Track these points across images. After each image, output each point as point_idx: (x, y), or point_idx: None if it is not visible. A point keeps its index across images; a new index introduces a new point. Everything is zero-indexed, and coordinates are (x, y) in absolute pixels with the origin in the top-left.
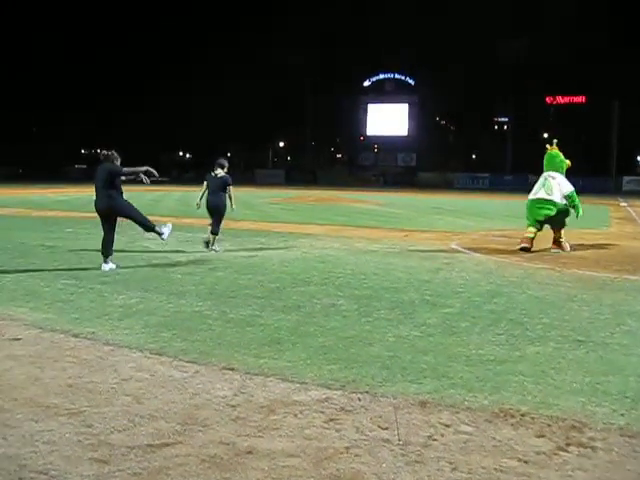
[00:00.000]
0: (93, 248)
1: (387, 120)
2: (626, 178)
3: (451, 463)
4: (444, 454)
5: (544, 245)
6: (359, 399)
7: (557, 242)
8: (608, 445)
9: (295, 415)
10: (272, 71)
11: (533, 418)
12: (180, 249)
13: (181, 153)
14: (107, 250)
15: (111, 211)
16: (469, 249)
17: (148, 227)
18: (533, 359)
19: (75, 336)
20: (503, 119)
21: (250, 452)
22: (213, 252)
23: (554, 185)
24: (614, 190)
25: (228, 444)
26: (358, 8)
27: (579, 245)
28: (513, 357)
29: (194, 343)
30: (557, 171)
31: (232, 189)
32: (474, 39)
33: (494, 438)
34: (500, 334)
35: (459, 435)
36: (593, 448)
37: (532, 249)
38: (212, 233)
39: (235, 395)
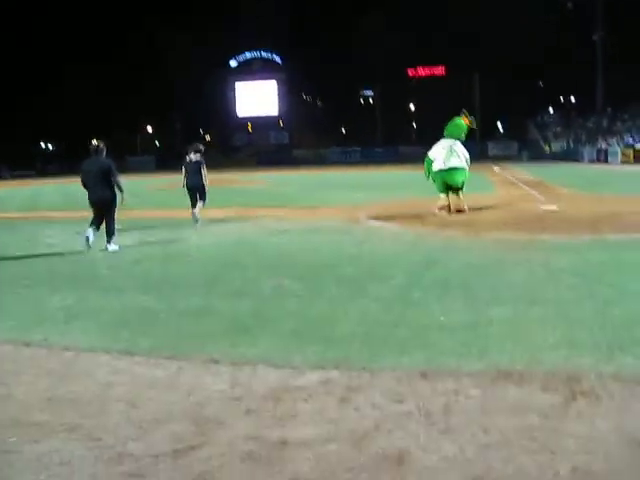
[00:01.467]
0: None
1: (257, 99)
2: (490, 144)
3: (480, 427)
4: (469, 419)
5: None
6: (359, 377)
7: (457, 205)
8: (609, 392)
9: (305, 400)
10: (138, 53)
11: (531, 375)
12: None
13: (44, 145)
14: (111, 231)
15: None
16: (380, 220)
17: (108, 231)
18: (501, 321)
19: (27, 345)
20: (368, 93)
21: (284, 443)
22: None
23: (460, 152)
24: (479, 155)
25: (256, 438)
26: None
27: (478, 209)
28: (482, 321)
29: (160, 339)
30: (458, 139)
31: (205, 171)
32: (335, 15)
33: (505, 399)
34: (455, 300)
35: (472, 399)
36: (597, 396)
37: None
38: (195, 206)
39: (232, 388)
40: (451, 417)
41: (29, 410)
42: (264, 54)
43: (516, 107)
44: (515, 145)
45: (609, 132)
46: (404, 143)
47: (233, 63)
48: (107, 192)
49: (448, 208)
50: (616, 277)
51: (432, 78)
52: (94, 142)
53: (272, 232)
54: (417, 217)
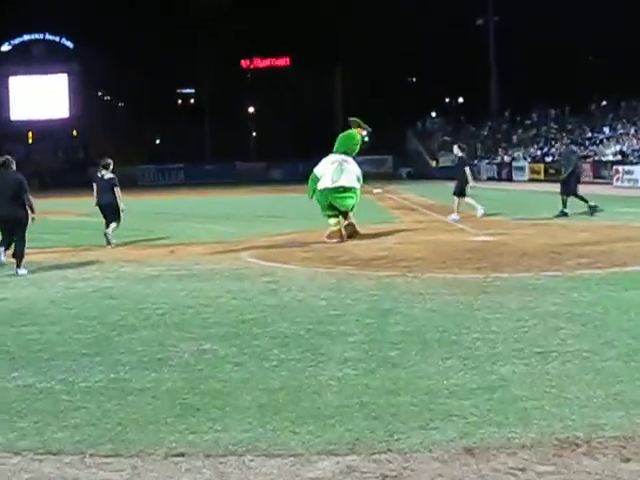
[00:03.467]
0: None
1: (41, 98)
2: (358, 158)
3: None
4: None
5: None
6: (389, 460)
7: (349, 226)
8: None
9: None
10: None
11: (600, 442)
12: None
13: None
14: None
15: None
16: (276, 262)
17: (17, 254)
18: (520, 380)
19: None
20: (189, 91)
21: None
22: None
23: (350, 170)
24: None
25: None
26: None
27: (398, 243)
28: (496, 382)
29: (82, 430)
30: (350, 153)
31: (118, 190)
32: None
33: (587, 472)
34: (447, 358)
35: (548, 477)
36: None
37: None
38: (109, 225)
39: None
40: None
41: None
42: (50, 37)
43: (390, 110)
44: (389, 160)
45: (509, 142)
46: (241, 157)
47: (5, 47)
48: (18, 210)
49: (340, 235)
50: (621, 320)
51: (274, 71)
52: (4, 156)
53: (138, 279)
54: (316, 252)
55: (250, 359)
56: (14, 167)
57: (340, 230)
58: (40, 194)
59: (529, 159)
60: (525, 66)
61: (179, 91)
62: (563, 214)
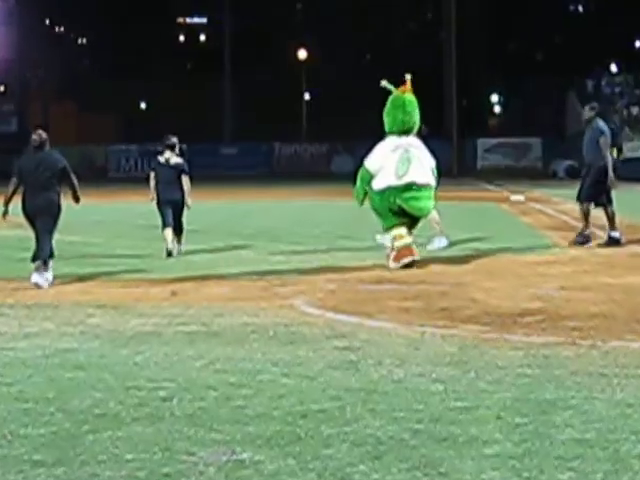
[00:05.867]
0: None
1: None
2: (483, 142)
3: None
4: None
5: None
6: None
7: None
8: None
9: None
10: None
11: None
12: None
13: None
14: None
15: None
16: (354, 314)
17: (43, 253)
18: None
19: None
20: (198, 20)
21: None
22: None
23: (422, 159)
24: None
25: None
26: None
27: (558, 287)
28: None
29: None
30: (410, 130)
31: (189, 180)
32: None
33: None
34: None
35: None
36: None
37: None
38: (175, 232)
39: None
40: None
41: None
42: None
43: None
44: (536, 146)
45: None
46: (284, 136)
47: None
48: (53, 198)
49: (412, 251)
50: None
51: None
52: (38, 132)
53: (120, 338)
54: (421, 300)
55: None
56: (48, 145)
57: (411, 245)
58: None
59: None
60: None
61: (182, 21)
62: None
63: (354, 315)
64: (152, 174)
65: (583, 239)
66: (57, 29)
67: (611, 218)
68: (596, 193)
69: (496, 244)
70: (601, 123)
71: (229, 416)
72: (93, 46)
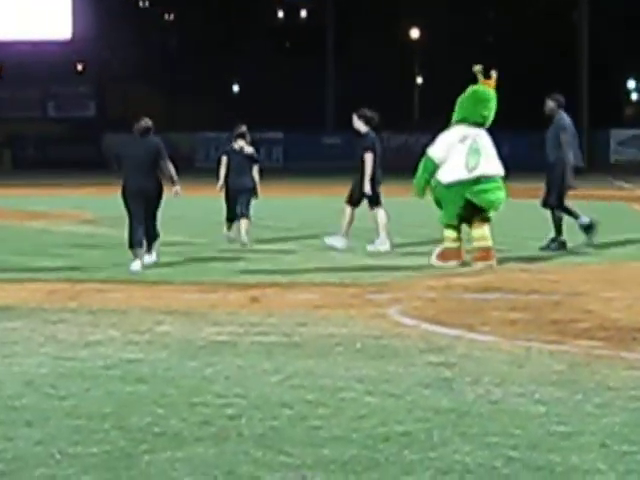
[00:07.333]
0: None
1: (16, 4)
2: (617, 133)
3: None
4: None
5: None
6: None
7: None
8: None
9: None
10: None
11: None
12: None
13: None
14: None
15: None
16: (453, 326)
17: (149, 237)
18: None
19: None
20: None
21: None
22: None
23: (490, 148)
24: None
25: None
26: None
27: None
28: None
29: None
30: (483, 122)
31: (258, 170)
32: None
33: None
34: None
35: None
36: None
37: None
38: (242, 217)
39: None
40: None
41: None
42: None
43: None
44: None
45: None
46: (400, 126)
47: None
48: (155, 182)
49: (460, 256)
50: None
51: None
52: (145, 119)
53: (190, 349)
54: (530, 310)
55: None
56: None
57: (460, 248)
58: (12, 178)
59: None
60: None
61: None
62: None
63: (453, 327)
64: (224, 159)
65: (558, 246)
66: (141, 3)
67: (557, 224)
68: (562, 195)
69: (620, 249)
70: (565, 117)
71: (302, 437)
72: (181, 23)
